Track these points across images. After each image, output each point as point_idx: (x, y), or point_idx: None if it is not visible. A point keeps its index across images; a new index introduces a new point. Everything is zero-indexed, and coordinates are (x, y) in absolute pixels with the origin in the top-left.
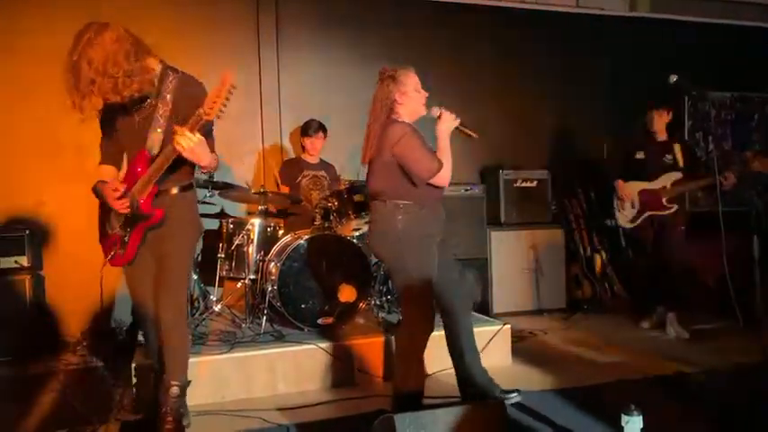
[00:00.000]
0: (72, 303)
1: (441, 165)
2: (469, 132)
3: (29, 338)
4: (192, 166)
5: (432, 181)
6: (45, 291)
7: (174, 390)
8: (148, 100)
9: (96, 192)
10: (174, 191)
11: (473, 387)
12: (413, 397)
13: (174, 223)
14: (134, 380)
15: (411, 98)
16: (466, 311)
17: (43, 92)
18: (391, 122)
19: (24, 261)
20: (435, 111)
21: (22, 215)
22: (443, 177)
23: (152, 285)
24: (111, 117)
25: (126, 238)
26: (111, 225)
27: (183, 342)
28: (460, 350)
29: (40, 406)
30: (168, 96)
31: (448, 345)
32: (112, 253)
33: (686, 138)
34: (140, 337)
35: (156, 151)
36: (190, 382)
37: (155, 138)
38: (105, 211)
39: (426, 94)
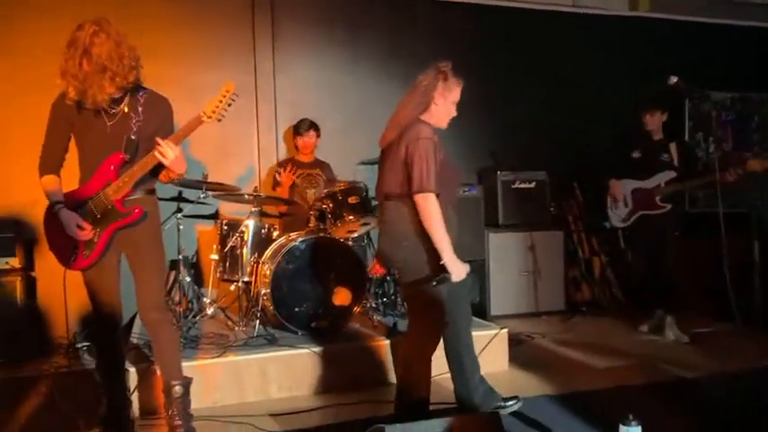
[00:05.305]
0: (64, 305)
1: (434, 192)
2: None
3: (20, 340)
4: (156, 174)
5: (416, 198)
6: (37, 292)
7: (177, 389)
8: (120, 107)
9: (53, 211)
10: (140, 194)
11: (470, 408)
12: (417, 404)
13: (147, 223)
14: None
15: (446, 107)
16: (466, 331)
17: (35, 92)
18: (422, 122)
19: (15, 262)
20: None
21: (14, 216)
22: (426, 207)
23: (116, 287)
24: (71, 118)
25: (95, 239)
26: (71, 228)
27: (174, 339)
28: (459, 367)
29: (28, 410)
30: (140, 109)
31: (447, 357)
32: (75, 255)
33: (686, 138)
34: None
35: (129, 155)
36: (191, 379)
37: (129, 144)
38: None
39: (455, 114)
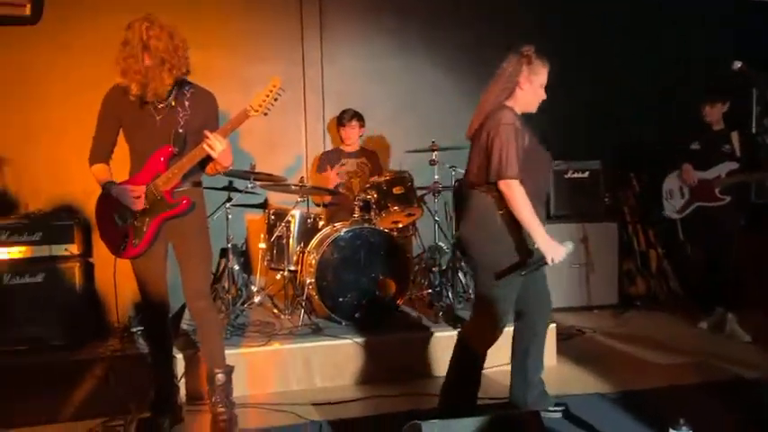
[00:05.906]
0: (120, 290)
1: (518, 177)
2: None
3: (79, 324)
4: (203, 166)
5: (500, 186)
6: (94, 278)
7: (220, 377)
8: (167, 101)
9: (107, 191)
10: (187, 186)
11: (521, 406)
12: (464, 397)
13: (194, 214)
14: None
15: (533, 91)
16: (542, 324)
17: (91, 89)
18: (505, 107)
19: (74, 249)
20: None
21: (72, 203)
22: (510, 194)
23: (164, 276)
24: (120, 113)
25: (144, 228)
26: (123, 217)
27: (218, 327)
28: (522, 362)
29: (83, 392)
30: (187, 103)
31: (512, 350)
32: (125, 244)
33: (755, 125)
34: (183, 325)
35: (177, 148)
36: (233, 367)
37: (177, 137)
38: (110, 205)
39: (545, 97)
